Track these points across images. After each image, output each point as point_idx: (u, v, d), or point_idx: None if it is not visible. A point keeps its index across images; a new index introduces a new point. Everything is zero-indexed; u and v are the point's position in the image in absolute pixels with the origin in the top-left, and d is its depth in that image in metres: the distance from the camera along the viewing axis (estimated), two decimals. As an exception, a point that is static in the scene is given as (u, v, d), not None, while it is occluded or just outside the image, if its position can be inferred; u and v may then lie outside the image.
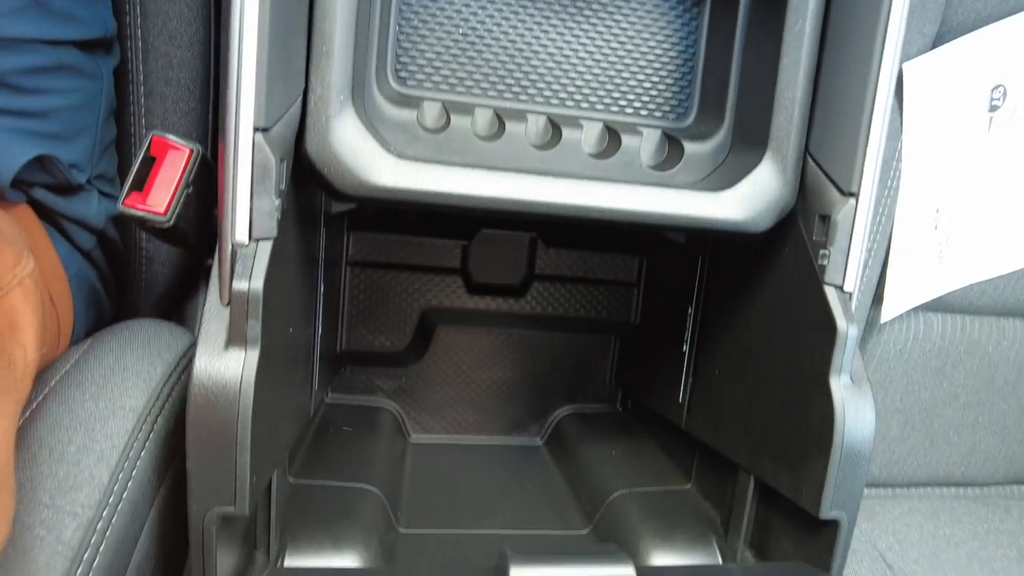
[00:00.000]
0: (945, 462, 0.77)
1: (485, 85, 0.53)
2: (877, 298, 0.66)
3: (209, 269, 0.58)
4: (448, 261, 0.73)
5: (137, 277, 0.57)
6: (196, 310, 0.62)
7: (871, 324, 0.68)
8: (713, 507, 0.58)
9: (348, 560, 0.48)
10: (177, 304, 0.62)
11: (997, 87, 0.61)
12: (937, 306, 0.69)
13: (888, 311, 0.65)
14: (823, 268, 0.45)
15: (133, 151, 0.52)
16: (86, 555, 0.31)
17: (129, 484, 0.36)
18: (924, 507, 0.73)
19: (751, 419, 0.52)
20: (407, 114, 0.48)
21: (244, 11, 0.36)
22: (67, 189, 0.49)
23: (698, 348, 0.61)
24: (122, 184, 0.52)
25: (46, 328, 0.42)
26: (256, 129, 0.38)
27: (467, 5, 0.52)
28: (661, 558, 0.52)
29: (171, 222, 0.42)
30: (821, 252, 0.46)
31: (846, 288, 0.44)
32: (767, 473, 0.50)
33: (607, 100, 0.55)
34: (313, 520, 0.50)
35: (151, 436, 0.39)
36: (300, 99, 0.41)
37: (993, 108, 0.61)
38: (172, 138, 0.45)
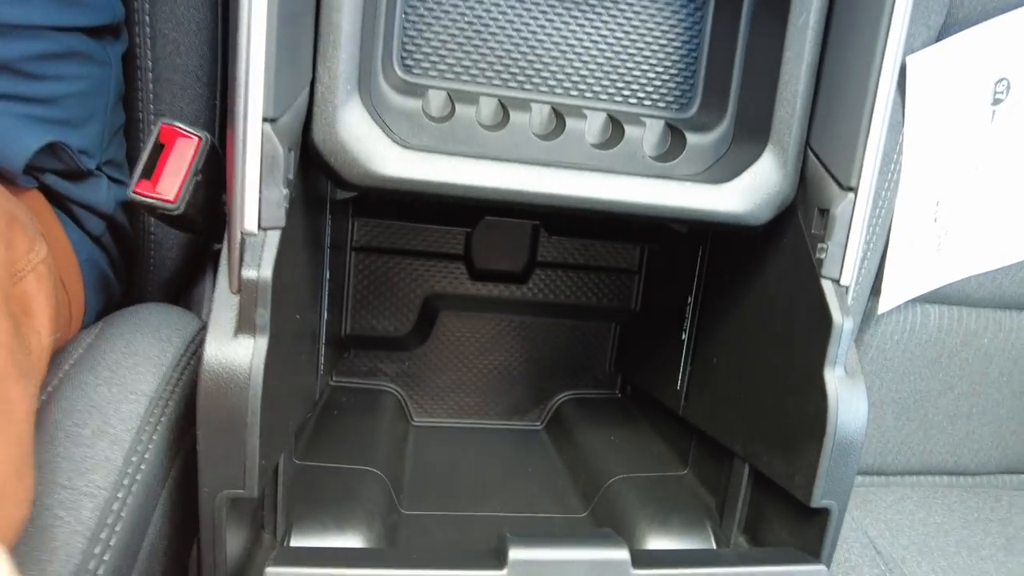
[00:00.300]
0: (939, 451, 0.79)
1: (490, 73, 0.54)
2: (875, 289, 0.67)
3: (216, 253, 0.59)
4: (451, 248, 0.73)
5: (145, 261, 0.58)
6: (203, 293, 0.63)
7: (869, 315, 0.68)
8: (709, 492, 0.59)
9: (352, 540, 0.49)
10: (184, 287, 0.63)
11: (1001, 80, 0.61)
12: (935, 298, 0.70)
13: (886, 302, 0.65)
14: (820, 262, 0.45)
15: (141, 137, 0.53)
16: (103, 534, 0.32)
17: (142, 466, 0.37)
18: (916, 495, 0.74)
19: (747, 407, 0.53)
20: (412, 103, 0.49)
21: (252, 1, 0.37)
22: (77, 175, 0.49)
23: (697, 336, 0.62)
24: (131, 170, 0.52)
25: (58, 313, 0.43)
26: (264, 120, 0.38)
27: None
28: (657, 542, 0.54)
29: (180, 209, 0.43)
30: (819, 245, 0.46)
31: (843, 282, 0.45)
32: (761, 461, 0.51)
33: (611, 89, 0.55)
34: (318, 501, 0.51)
35: (163, 420, 0.40)
36: (307, 89, 0.42)
37: (996, 101, 0.62)
38: (181, 126, 0.45)
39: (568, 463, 0.70)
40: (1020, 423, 0.79)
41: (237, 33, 0.38)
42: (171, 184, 0.44)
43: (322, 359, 0.62)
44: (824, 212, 0.46)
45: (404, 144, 0.44)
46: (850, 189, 0.46)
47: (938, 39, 0.61)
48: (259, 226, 0.39)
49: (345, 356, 0.76)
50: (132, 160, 0.54)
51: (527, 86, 0.54)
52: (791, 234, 0.49)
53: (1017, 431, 0.80)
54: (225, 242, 0.41)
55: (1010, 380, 0.76)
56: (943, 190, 0.63)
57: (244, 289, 0.38)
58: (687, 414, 0.62)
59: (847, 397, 0.44)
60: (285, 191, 0.40)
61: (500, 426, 0.78)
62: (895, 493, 0.75)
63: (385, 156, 0.43)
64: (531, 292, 0.76)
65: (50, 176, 0.48)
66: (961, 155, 0.62)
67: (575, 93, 0.55)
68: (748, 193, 0.47)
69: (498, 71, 0.54)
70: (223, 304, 0.39)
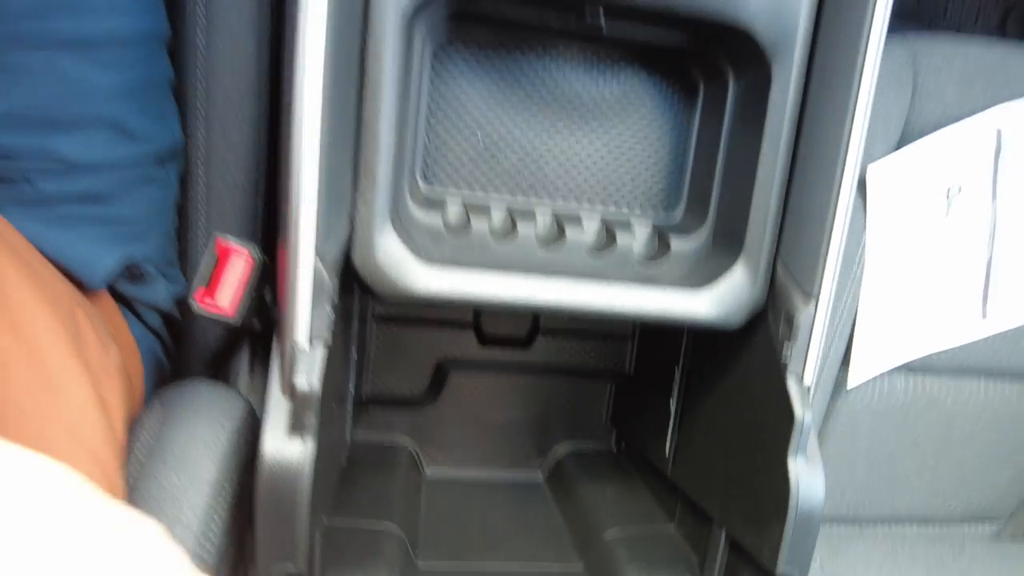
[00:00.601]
0: (907, 503, 0.86)
1: (500, 182, 0.61)
2: (845, 359, 0.74)
3: (253, 334, 0.66)
4: (462, 317, 0.81)
5: (192, 341, 0.65)
6: (240, 365, 0.70)
7: (839, 384, 0.76)
8: (692, 549, 0.66)
9: None
10: (223, 360, 0.70)
11: (952, 185, 0.68)
12: (900, 366, 0.77)
13: (854, 379, 0.73)
14: (786, 365, 0.53)
15: (192, 239, 0.60)
16: (185, 614, 0.39)
17: (208, 547, 0.44)
18: (885, 547, 0.81)
19: (724, 480, 0.60)
20: (434, 218, 0.56)
21: (303, 157, 0.44)
22: (140, 277, 0.56)
23: (683, 407, 0.69)
24: (184, 271, 0.60)
25: (128, 412, 0.50)
26: (314, 254, 0.45)
27: (486, 115, 0.60)
28: None
29: (239, 322, 0.50)
30: (785, 347, 0.53)
31: (805, 382, 0.52)
32: (735, 529, 0.58)
33: (606, 194, 0.62)
34: (345, 559, 0.58)
35: (222, 503, 0.47)
36: (348, 220, 0.49)
37: (949, 203, 0.69)
38: (232, 240, 0.53)
39: (566, 515, 0.77)
40: (981, 477, 0.86)
41: (289, 182, 0.45)
42: (228, 295, 0.51)
43: (348, 425, 0.69)
44: (790, 318, 0.54)
45: (428, 259, 0.51)
46: (813, 297, 0.53)
47: (897, 148, 0.68)
48: (309, 341, 0.46)
49: (363, 414, 0.83)
50: (184, 259, 0.61)
51: (532, 193, 0.62)
52: (761, 334, 0.56)
53: (979, 484, 0.87)
54: (274, 349, 0.48)
55: (971, 439, 0.83)
56: (902, 280, 0.70)
57: (296, 398, 0.45)
58: (674, 476, 0.69)
59: (807, 483, 0.51)
60: (330, 311, 0.47)
61: (505, 476, 0.85)
62: (866, 544, 0.82)
63: (415, 274, 0.50)
64: (534, 355, 0.83)
65: (119, 280, 0.55)
66: (919, 250, 0.70)
67: (574, 199, 0.62)
68: (722, 300, 0.54)
69: (506, 180, 0.61)
70: (277, 406, 0.46)
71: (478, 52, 0.58)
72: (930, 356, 0.77)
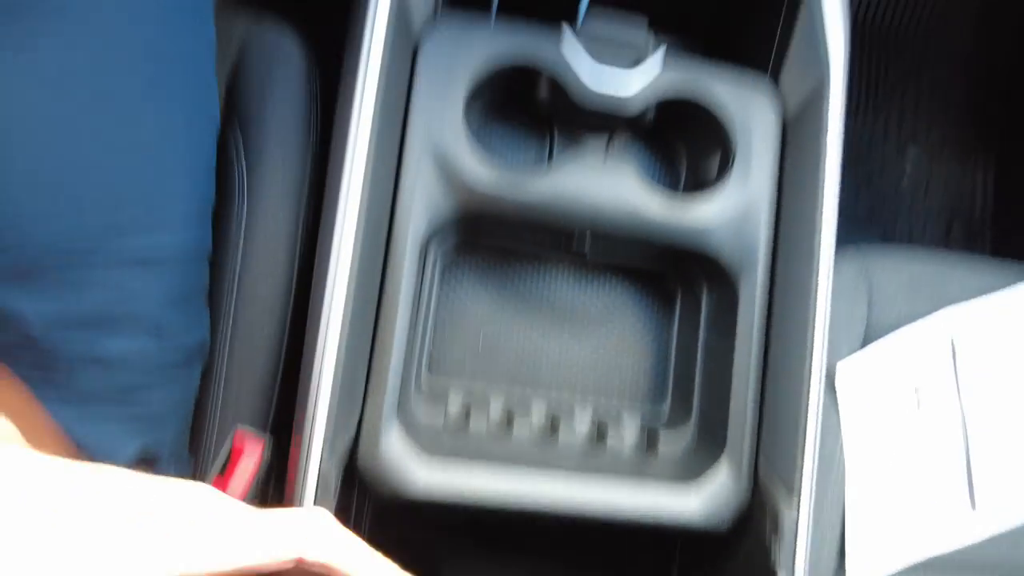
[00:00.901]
0: None
1: (499, 376, 0.66)
2: (840, 566, 0.74)
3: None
4: (457, 518, 0.81)
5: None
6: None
7: (837, 586, 0.74)
8: None
9: None
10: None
11: (918, 382, 0.74)
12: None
13: (851, 586, 0.72)
14: (775, 568, 0.54)
15: (207, 429, 0.63)
16: None
17: None
18: None
19: None
20: (436, 415, 0.60)
21: (324, 366, 0.49)
22: (152, 463, 0.59)
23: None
24: (195, 461, 0.62)
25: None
26: (322, 459, 0.49)
27: (488, 317, 0.66)
28: None
29: (243, 518, 0.52)
30: (773, 546, 0.55)
31: (795, 584, 0.53)
32: None
33: (596, 388, 0.67)
34: None
35: None
36: (356, 420, 0.53)
37: (918, 398, 0.74)
38: (251, 434, 0.56)
39: None
40: None
41: (308, 384, 0.50)
42: (237, 491, 0.53)
43: None
44: (775, 516, 0.55)
45: (428, 458, 0.54)
46: (795, 493, 0.55)
47: (863, 345, 0.74)
48: (310, 538, 0.48)
49: None
50: (193, 443, 0.64)
51: (529, 385, 0.66)
52: (751, 535, 0.57)
53: None
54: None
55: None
56: (885, 476, 0.72)
57: (294, 597, 0.46)
58: None
59: None
60: (334, 504, 0.49)
61: None
62: None
63: (416, 474, 0.53)
64: (531, 552, 0.82)
65: (132, 464, 0.57)
66: (896, 444, 0.73)
67: (567, 390, 0.67)
68: (709, 499, 0.56)
69: (505, 374, 0.66)
70: None
71: (482, 265, 0.66)
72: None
